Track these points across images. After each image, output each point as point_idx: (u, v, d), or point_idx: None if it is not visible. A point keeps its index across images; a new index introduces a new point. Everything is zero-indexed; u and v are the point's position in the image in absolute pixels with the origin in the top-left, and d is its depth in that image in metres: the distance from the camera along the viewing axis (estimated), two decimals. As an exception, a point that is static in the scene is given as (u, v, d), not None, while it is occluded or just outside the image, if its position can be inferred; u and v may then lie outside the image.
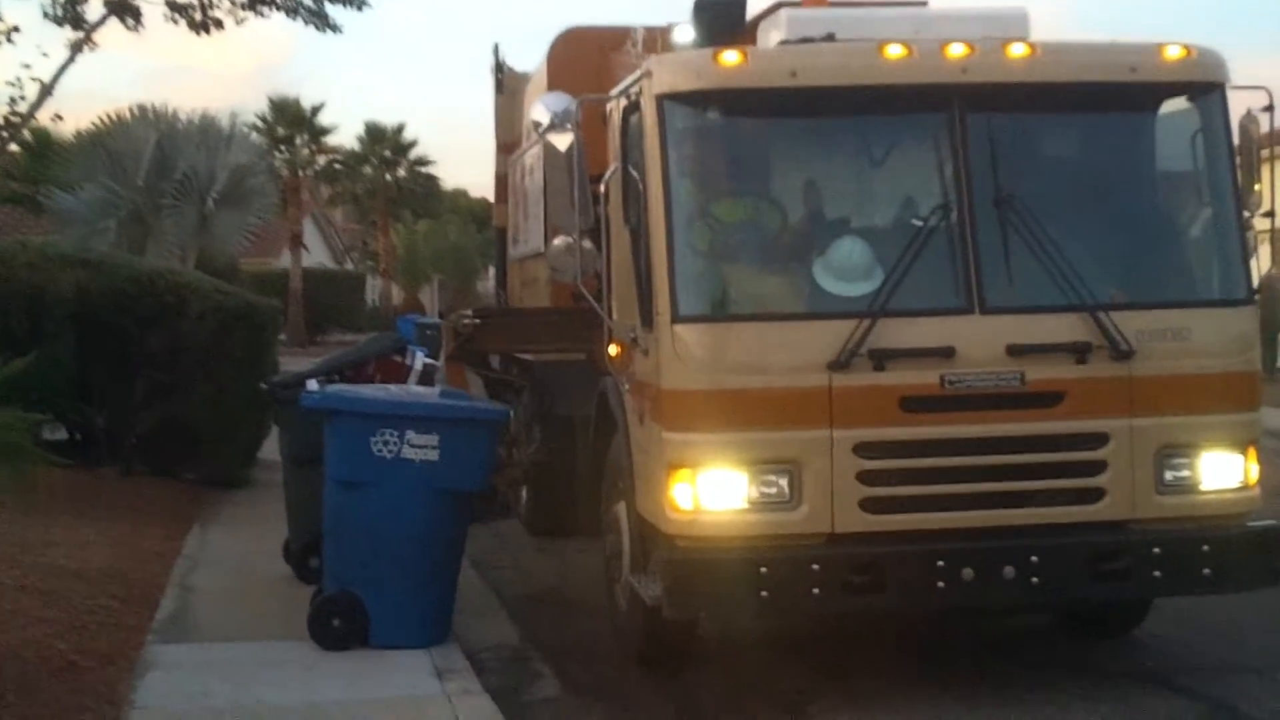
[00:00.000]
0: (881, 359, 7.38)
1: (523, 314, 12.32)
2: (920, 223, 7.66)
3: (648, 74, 7.75)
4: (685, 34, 9.63)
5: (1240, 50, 8.04)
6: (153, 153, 24.08)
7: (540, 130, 8.38)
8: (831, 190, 8.17)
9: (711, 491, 7.37)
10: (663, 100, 7.62)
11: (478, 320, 11.57)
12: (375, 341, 11.84)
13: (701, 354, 7.43)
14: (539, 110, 8.45)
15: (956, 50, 7.65)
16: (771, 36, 8.30)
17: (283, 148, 48.23)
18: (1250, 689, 8.05)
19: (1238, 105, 8.06)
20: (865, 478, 7.41)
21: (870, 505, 7.42)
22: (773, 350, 7.44)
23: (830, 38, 7.98)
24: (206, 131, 25.37)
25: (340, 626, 8.49)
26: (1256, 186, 8.13)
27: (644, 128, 7.71)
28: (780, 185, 8.22)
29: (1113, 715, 7.61)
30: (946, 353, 7.42)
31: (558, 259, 8.22)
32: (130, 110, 25.30)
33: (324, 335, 49.00)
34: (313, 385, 9.74)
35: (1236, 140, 8.06)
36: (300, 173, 49.88)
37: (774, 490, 7.38)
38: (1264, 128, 8.12)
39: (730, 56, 7.59)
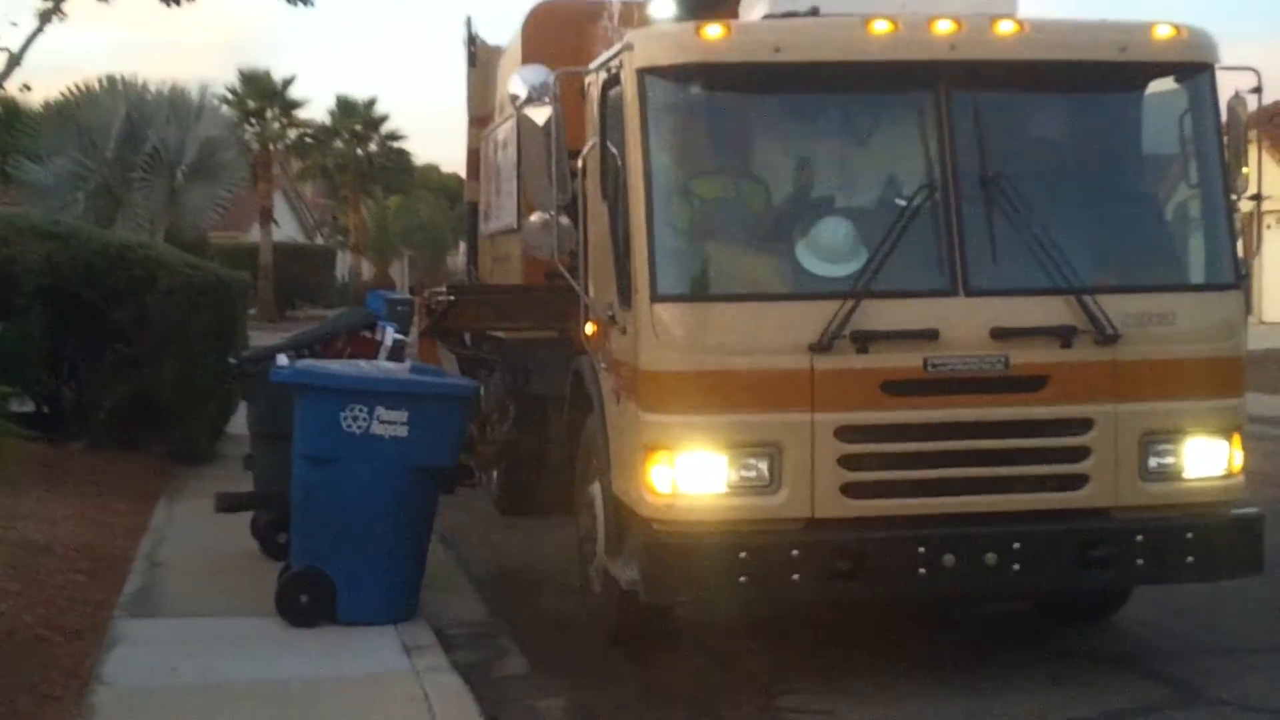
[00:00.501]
0: (864, 341, 7.26)
1: (497, 291, 12.18)
2: (904, 202, 7.54)
3: (629, 47, 7.60)
4: (662, 8, 9.49)
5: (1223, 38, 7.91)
6: (122, 125, 23.86)
7: (517, 104, 8.22)
8: (815, 168, 8.04)
9: (690, 474, 7.25)
10: (644, 74, 7.47)
11: (451, 297, 11.41)
12: (345, 316, 11.72)
13: (681, 334, 7.30)
14: (516, 83, 8.30)
15: (943, 26, 7.52)
16: (755, 11, 8.16)
17: (253, 121, 47.93)
18: (1219, 671, 8.05)
19: (1226, 87, 7.97)
20: (847, 462, 7.29)
21: (852, 490, 7.31)
22: (753, 331, 7.31)
23: (814, 12, 7.84)
24: (176, 104, 25.13)
25: (308, 602, 8.42)
26: (1244, 169, 8.04)
27: (624, 102, 7.56)
28: (762, 162, 8.09)
29: (1079, 696, 7.57)
30: (930, 335, 7.31)
31: (534, 235, 8.08)
32: (99, 82, 25.07)
33: (294, 310, 48.82)
34: (282, 360, 9.62)
35: (1224, 121, 7.96)
36: (271, 146, 49.58)
37: (754, 474, 7.26)
38: (1251, 109, 8.03)
39: (713, 30, 7.44)
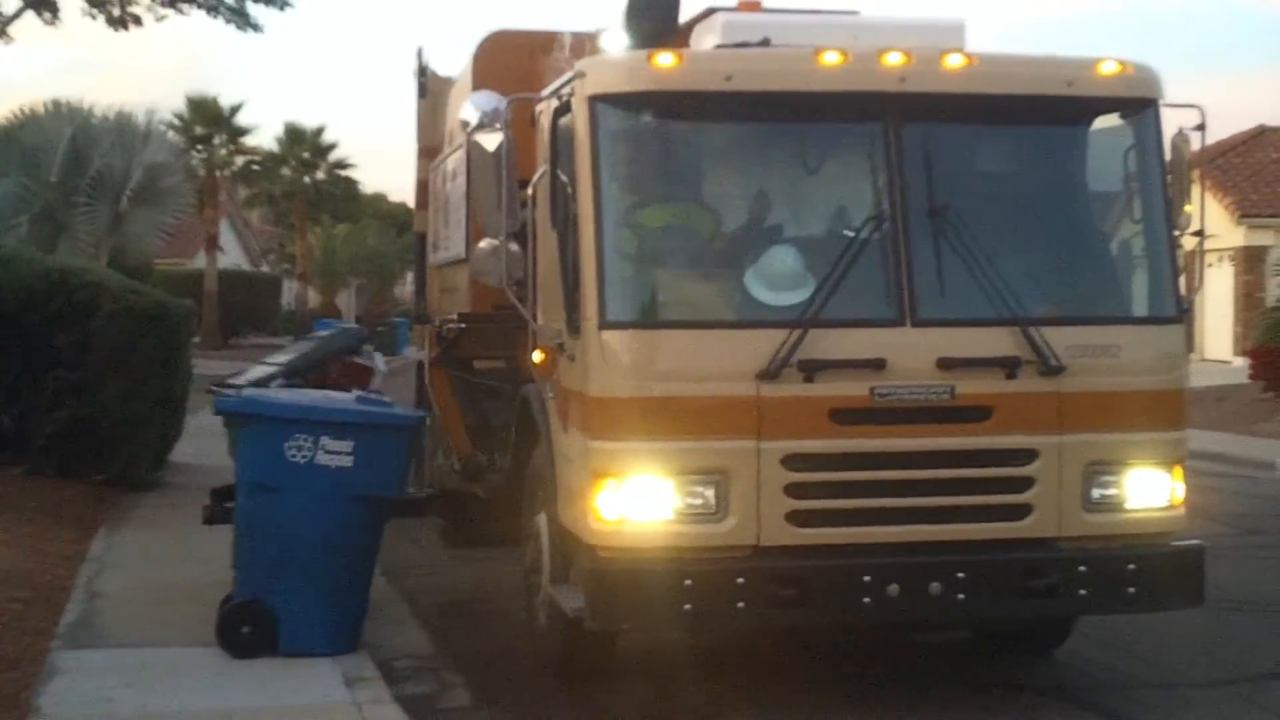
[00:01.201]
0: (811, 370, 7.28)
1: (509, 319, 12.14)
2: (853, 232, 7.58)
3: (580, 74, 7.61)
4: (614, 39, 9.50)
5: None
6: (66, 149, 23.70)
7: (469, 129, 8.21)
8: (764, 197, 8.05)
9: (636, 501, 7.24)
10: (595, 102, 7.48)
11: (463, 324, 11.31)
12: (335, 339, 11.55)
13: (629, 361, 7.29)
14: (468, 109, 8.28)
15: (893, 59, 7.58)
16: (706, 41, 8.19)
17: (200, 147, 47.56)
18: (1157, 704, 8.11)
19: (1171, 123, 8.06)
20: (793, 490, 7.30)
21: (797, 518, 7.32)
22: (701, 358, 7.32)
23: (766, 43, 7.88)
24: (122, 128, 24.99)
25: (250, 633, 8.34)
26: (1187, 205, 8.12)
27: (575, 129, 7.57)
28: (712, 191, 8.11)
29: (1015, 727, 7.58)
30: (877, 364, 7.34)
31: (483, 262, 8.05)
32: (45, 105, 24.89)
33: (239, 338, 48.44)
34: (278, 387, 9.53)
35: (1168, 158, 8.04)
36: (217, 173, 49.25)
37: (700, 501, 7.26)
38: (1194, 146, 8.11)
39: (665, 59, 7.46)
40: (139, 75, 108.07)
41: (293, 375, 10.11)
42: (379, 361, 10.33)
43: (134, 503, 13.62)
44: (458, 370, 11.52)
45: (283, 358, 11.06)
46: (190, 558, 10.51)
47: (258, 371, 10.55)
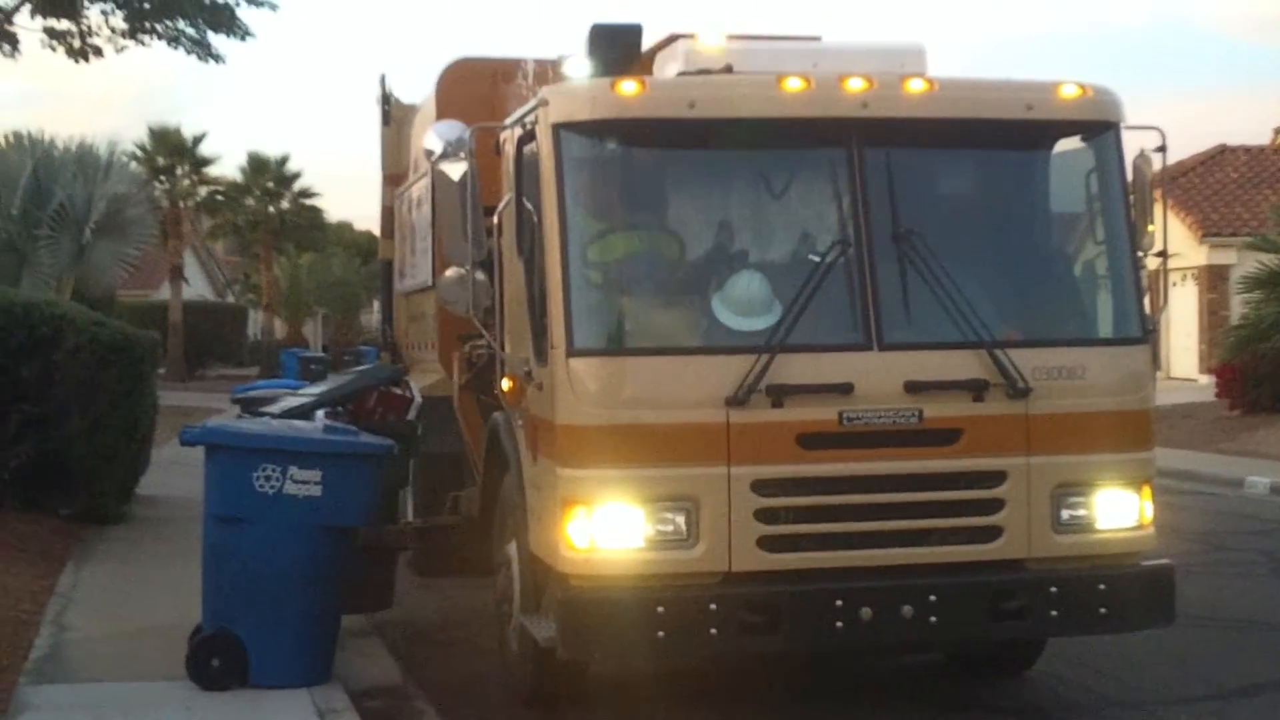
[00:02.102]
0: (779, 395, 7.28)
1: None
2: (819, 258, 7.59)
3: (544, 102, 7.61)
4: (577, 67, 9.52)
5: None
6: (28, 181, 23.53)
7: (432, 159, 8.21)
8: (730, 223, 8.07)
9: (607, 529, 7.22)
10: (559, 129, 7.49)
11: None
12: (372, 372, 11.52)
13: (596, 388, 7.29)
14: (431, 138, 8.29)
15: (855, 84, 7.61)
16: (669, 68, 8.21)
17: (163, 178, 47.37)
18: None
19: (1132, 145, 8.11)
20: (763, 515, 7.30)
21: (768, 543, 7.31)
22: (669, 385, 7.32)
23: (729, 70, 7.90)
24: (84, 160, 24.83)
25: (219, 666, 8.27)
26: (1149, 226, 8.17)
27: (539, 157, 7.57)
28: (678, 217, 8.12)
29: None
30: (845, 389, 7.35)
31: (449, 291, 8.04)
32: (5, 137, 24.76)
33: (205, 369, 48.21)
34: (320, 417, 9.50)
35: (1130, 179, 8.09)
36: (181, 203, 49.06)
37: (670, 528, 7.25)
38: (1156, 167, 8.17)
39: (628, 86, 7.48)
40: (100, 104, 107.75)
41: (332, 405, 10.03)
42: (416, 393, 10.29)
43: (101, 536, 13.52)
44: (487, 396, 11.50)
45: (318, 389, 10.95)
46: (158, 591, 10.43)
47: (293, 401, 10.46)
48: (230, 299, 63.48)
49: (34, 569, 11.59)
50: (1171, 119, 9.66)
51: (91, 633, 9.70)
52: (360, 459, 8.66)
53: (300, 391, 11.09)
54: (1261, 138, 39.65)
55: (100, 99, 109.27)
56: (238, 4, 28.36)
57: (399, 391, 10.51)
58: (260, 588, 8.30)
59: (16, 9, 28.50)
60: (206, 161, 49.52)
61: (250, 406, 10.50)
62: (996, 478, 7.54)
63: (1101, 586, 7.62)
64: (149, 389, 15.31)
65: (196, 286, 57.42)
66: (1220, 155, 37.00)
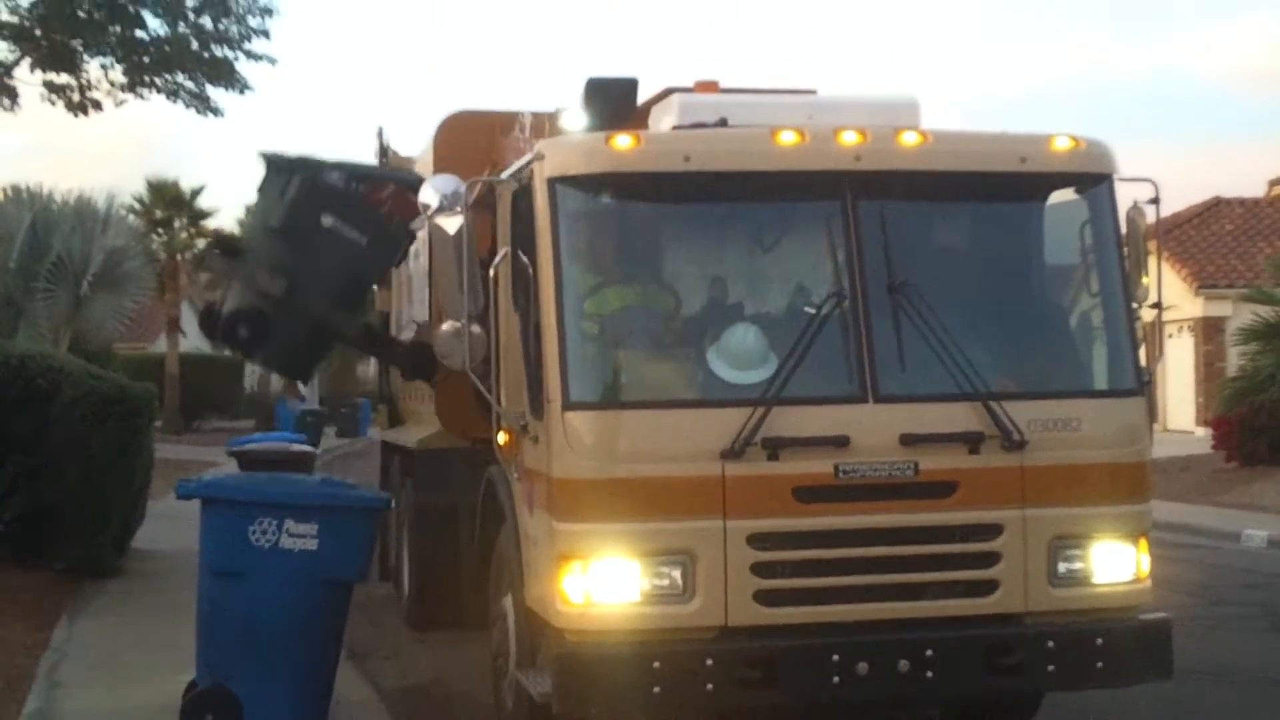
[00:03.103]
0: (775, 448, 7.27)
1: None
2: (814, 310, 7.59)
3: (540, 156, 7.64)
4: (574, 119, 9.56)
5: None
6: (26, 234, 23.60)
7: (429, 212, 8.23)
8: (725, 276, 8.08)
9: (603, 583, 7.20)
10: (555, 183, 7.51)
11: None
12: (397, 174, 11.37)
13: (593, 442, 7.28)
14: (428, 192, 8.31)
15: (849, 137, 7.64)
16: (664, 121, 8.25)
17: (161, 230, 47.43)
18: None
19: (1126, 197, 8.14)
20: (759, 569, 7.28)
21: (764, 597, 7.29)
22: (665, 438, 7.31)
23: (723, 123, 7.94)
24: (82, 213, 24.93)
25: (213, 722, 8.20)
26: (1144, 277, 8.19)
27: (535, 211, 7.58)
28: (673, 271, 8.14)
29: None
30: (840, 442, 7.34)
31: (445, 344, 8.03)
32: (4, 191, 24.83)
33: (201, 421, 48.10)
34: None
35: (1124, 231, 8.11)
36: (179, 256, 49.10)
37: (666, 582, 7.22)
38: (1150, 219, 8.19)
39: (623, 140, 7.51)
40: (99, 158, 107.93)
41: (352, 176, 9.92)
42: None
43: (96, 590, 13.47)
44: None
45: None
46: (153, 645, 10.38)
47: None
48: (227, 351, 63.42)
49: (28, 622, 11.56)
50: (1167, 171, 9.70)
51: (86, 688, 9.66)
52: (356, 512, 8.65)
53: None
54: (1256, 190, 39.85)
55: (99, 152, 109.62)
56: (236, 58, 28.51)
57: (414, 198, 10.45)
58: (256, 642, 8.27)
59: (16, 63, 28.66)
60: (205, 214, 49.54)
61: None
62: (993, 530, 7.52)
63: (1099, 640, 7.58)
64: (145, 442, 15.29)
65: (194, 339, 57.26)
66: (1215, 207, 37.12)
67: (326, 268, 9.99)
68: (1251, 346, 25.40)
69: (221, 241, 10.00)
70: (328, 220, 9.87)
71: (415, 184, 10.17)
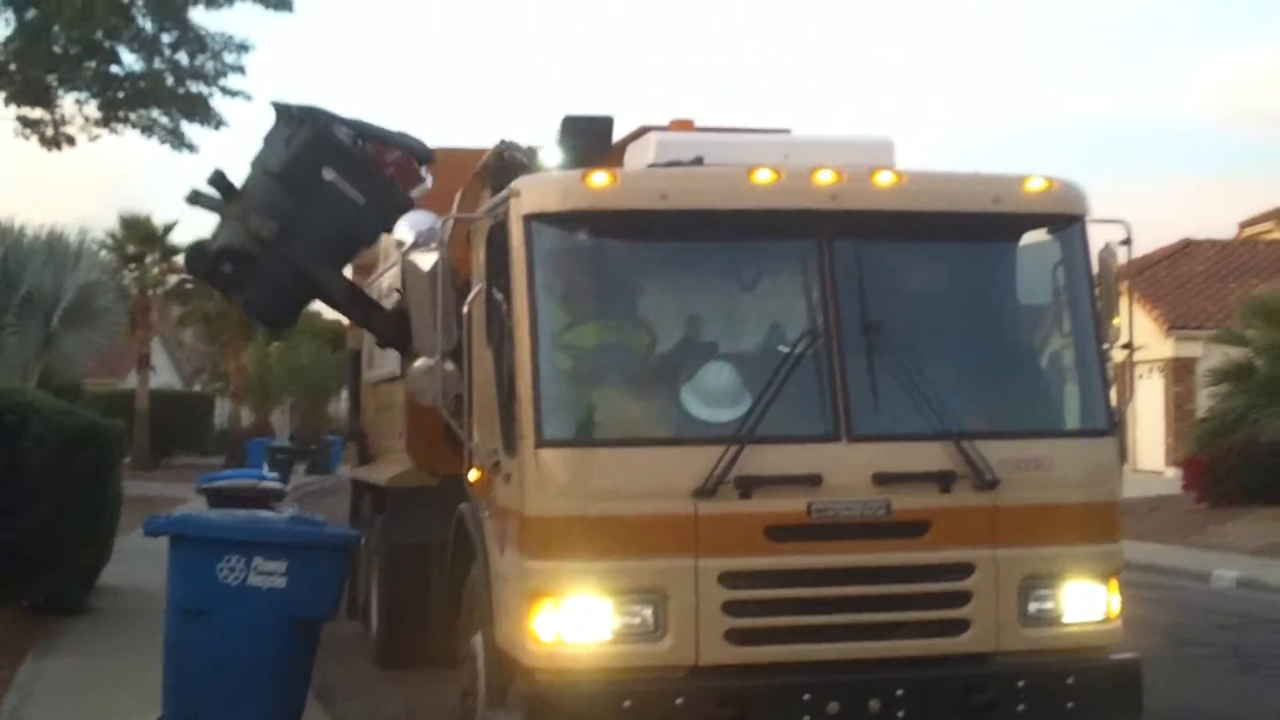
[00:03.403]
0: (748, 486, 7.27)
1: None
2: (788, 349, 7.61)
3: (515, 193, 7.64)
4: (549, 156, 9.58)
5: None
6: (-3, 269, 23.51)
7: (403, 249, 8.23)
8: (699, 314, 8.11)
9: (574, 622, 7.17)
10: (530, 220, 7.51)
11: None
12: (407, 140, 11.29)
13: (565, 479, 7.26)
14: (403, 229, 8.31)
15: (824, 177, 7.67)
16: (640, 159, 8.28)
17: (133, 266, 47.34)
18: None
19: (1097, 238, 8.18)
20: (731, 608, 7.26)
21: (736, 636, 7.26)
22: (638, 476, 7.29)
23: (699, 161, 7.97)
24: (54, 247, 24.83)
25: (180, 762, 8.14)
26: (1115, 318, 8.22)
27: (510, 248, 7.58)
28: (648, 308, 8.14)
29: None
30: (813, 481, 7.34)
31: (418, 381, 8.02)
32: (-25, 227, 24.72)
33: (171, 458, 47.88)
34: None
35: (1096, 272, 8.15)
36: (150, 291, 48.98)
37: (638, 620, 7.20)
38: (1122, 260, 8.24)
39: (599, 178, 7.52)
40: (72, 192, 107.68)
41: (361, 134, 9.88)
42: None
43: (62, 628, 13.36)
44: None
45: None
46: (120, 684, 10.28)
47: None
48: (198, 387, 63.20)
49: (-7, 660, 11.45)
50: (1137, 211, 9.75)
51: (50, 726, 9.56)
52: (326, 549, 8.61)
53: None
54: (1227, 232, 40.09)
55: (72, 186, 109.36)
56: (212, 94, 28.46)
57: (418, 167, 10.39)
58: (223, 681, 8.21)
59: (-10, 98, 28.55)
60: (177, 250, 49.36)
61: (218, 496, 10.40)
62: (964, 570, 7.53)
63: (1069, 680, 7.59)
64: (114, 478, 15.21)
65: (164, 375, 57.18)
66: (1186, 249, 37.35)
67: (321, 220, 9.88)
68: (1222, 387, 25.51)
69: (219, 178, 9.85)
70: (329, 174, 9.79)
71: (423, 153, 10.15)
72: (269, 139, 10.10)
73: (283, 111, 10.11)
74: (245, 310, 10.96)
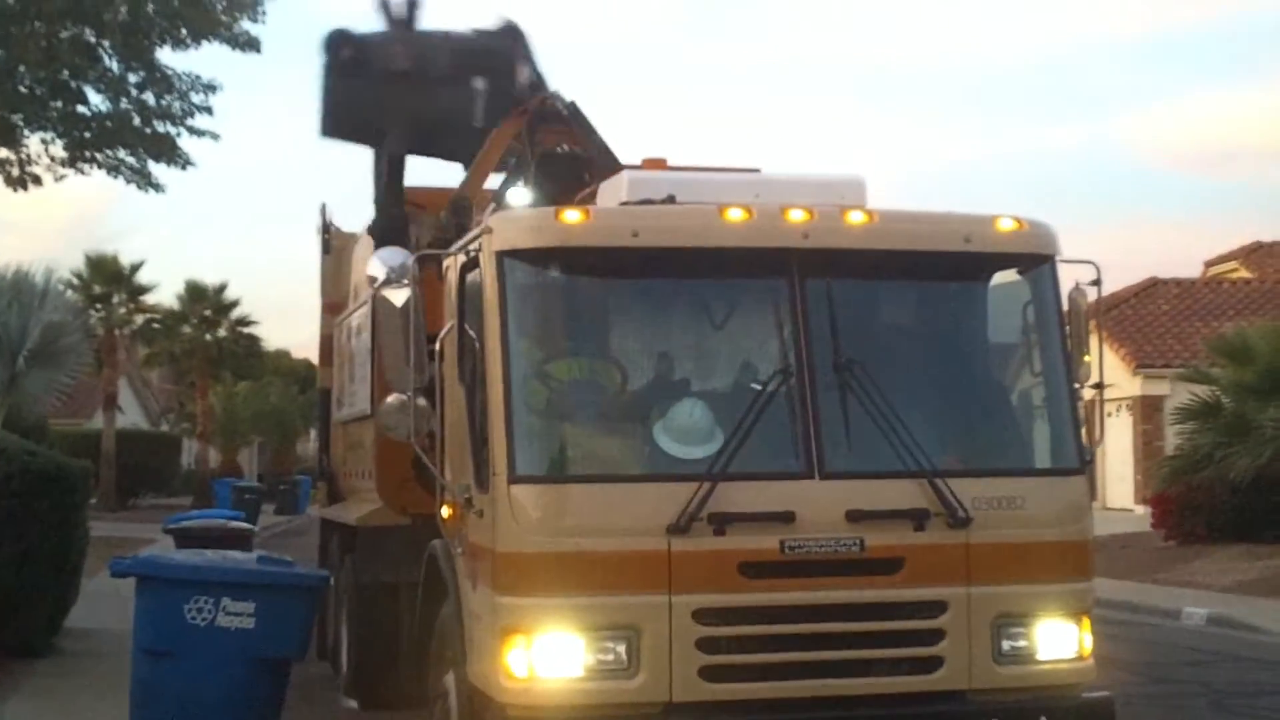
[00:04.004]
0: (721, 523, 7.26)
1: None
2: (760, 386, 7.62)
3: (488, 230, 7.65)
4: (520, 194, 9.60)
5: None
6: (-39, 310, 23.30)
7: (375, 285, 8.21)
8: (672, 351, 8.11)
9: (547, 658, 7.14)
10: (503, 257, 7.52)
11: None
12: None
13: (538, 516, 7.24)
14: (375, 265, 8.31)
15: (796, 215, 7.69)
16: (612, 197, 8.29)
17: (99, 305, 47.14)
18: None
19: (1067, 278, 8.21)
20: (704, 645, 7.24)
21: (709, 673, 7.24)
22: (611, 512, 7.28)
23: (671, 199, 7.98)
24: (19, 287, 24.59)
25: (147, 805, 8.06)
26: (1085, 357, 8.26)
27: (483, 285, 7.59)
28: (620, 345, 8.15)
29: None
30: (786, 518, 7.33)
31: (390, 417, 7.99)
32: (-60, 266, 24.53)
33: (137, 499, 47.61)
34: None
35: (1066, 311, 8.19)
36: (117, 331, 48.78)
37: (611, 657, 7.17)
38: (1091, 299, 8.28)
39: (572, 215, 7.53)
40: (37, 231, 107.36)
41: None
42: None
43: (26, 670, 13.21)
44: None
45: None
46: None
47: None
48: (165, 428, 62.92)
49: (-44, 704, 11.31)
50: (1103, 249, 9.82)
51: (15, 769, 9.45)
52: (295, 590, 8.57)
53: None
54: (1192, 270, 40.37)
55: (38, 226, 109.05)
56: (179, 134, 28.39)
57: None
58: (191, 722, 8.14)
59: (-46, 138, 28.43)
60: (144, 289, 49.33)
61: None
62: (937, 607, 7.52)
63: (1042, 718, 7.58)
64: (80, 519, 15.08)
65: (131, 415, 56.89)
66: (1152, 288, 37.62)
67: (438, 108, 10.43)
68: (1189, 426, 25.66)
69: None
70: (479, 84, 10.27)
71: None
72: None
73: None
74: (322, 105, 11.17)
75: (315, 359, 14.89)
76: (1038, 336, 8.19)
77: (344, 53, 10.61)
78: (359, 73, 10.69)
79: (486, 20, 10.71)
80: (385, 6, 10.84)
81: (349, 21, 11.00)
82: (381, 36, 10.66)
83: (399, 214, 10.63)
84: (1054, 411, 8.14)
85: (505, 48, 10.17)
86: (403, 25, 10.72)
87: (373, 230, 10.83)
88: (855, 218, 7.81)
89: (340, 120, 11.10)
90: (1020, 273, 8.19)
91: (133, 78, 27.77)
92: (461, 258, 8.03)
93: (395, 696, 10.19)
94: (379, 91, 10.62)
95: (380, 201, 11.12)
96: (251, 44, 27.85)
